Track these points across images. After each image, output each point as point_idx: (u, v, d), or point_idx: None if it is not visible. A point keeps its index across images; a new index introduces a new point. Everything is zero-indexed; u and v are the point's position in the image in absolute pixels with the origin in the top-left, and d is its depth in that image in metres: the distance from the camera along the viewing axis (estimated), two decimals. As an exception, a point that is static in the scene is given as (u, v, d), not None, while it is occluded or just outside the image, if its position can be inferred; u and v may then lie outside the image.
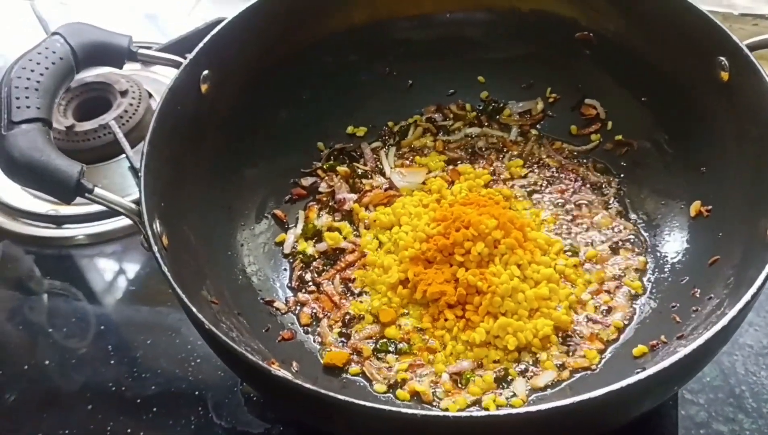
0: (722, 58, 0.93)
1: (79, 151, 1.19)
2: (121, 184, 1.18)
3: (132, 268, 1.16)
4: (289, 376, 0.73)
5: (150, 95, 1.28)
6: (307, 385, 0.69)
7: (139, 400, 1.00)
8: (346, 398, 0.68)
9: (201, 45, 0.97)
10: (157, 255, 0.79)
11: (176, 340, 1.05)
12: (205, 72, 0.98)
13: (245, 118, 1.06)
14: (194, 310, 0.74)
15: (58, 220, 1.19)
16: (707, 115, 0.98)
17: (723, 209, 0.95)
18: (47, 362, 1.05)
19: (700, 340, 0.70)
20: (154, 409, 0.99)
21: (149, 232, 0.81)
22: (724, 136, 0.95)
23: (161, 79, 1.32)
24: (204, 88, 0.98)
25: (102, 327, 1.08)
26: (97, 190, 0.84)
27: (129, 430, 0.97)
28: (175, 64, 0.96)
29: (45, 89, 0.87)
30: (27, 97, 0.85)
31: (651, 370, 0.69)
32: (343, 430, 0.76)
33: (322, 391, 0.69)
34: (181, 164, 0.95)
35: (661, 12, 0.99)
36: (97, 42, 0.94)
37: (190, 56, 0.95)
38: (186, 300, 0.75)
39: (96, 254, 1.17)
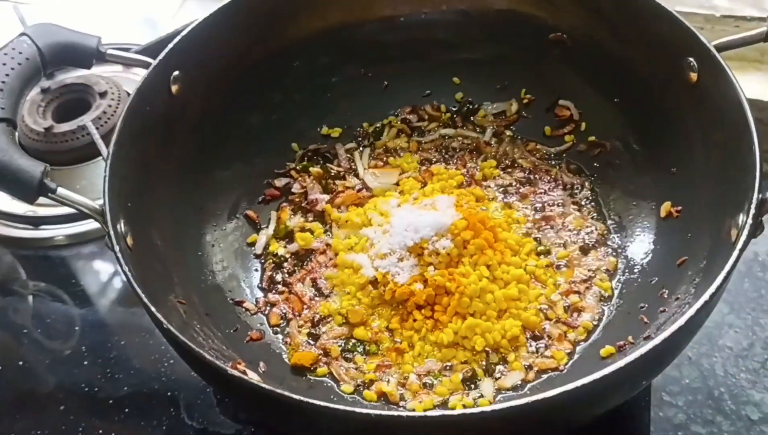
0: (691, 59, 0.93)
1: (57, 153, 1.20)
2: (100, 185, 1.14)
3: (108, 269, 1.16)
4: (247, 376, 0.73)
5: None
6: (262, 385, 0.69)
7: (111, 401, 1.00)
8: (300, 398, 0.68)
9: (171, 45, 0.97)
10: (119, 255, 0.79)
11: (150, 341, 1.04)
12: (176, 72, 0.98)
13: (217, 119, 1.06)
14: (153, 308, 0.74)
15: (36, 221, 1.19)
16: (677, 116, 0.97)
17: (692, 210, 0.95)
18: (21, 363, 1.05)
19: (655, 342, 0.70)
20: (126, 410, 0.99)
21: (111, 232, 0.81)
22: (692, 137, 0.95)
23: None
24: (175, 89, 0.98)
25: (77, 327, 1.09)
26: (60, 190, 0.84)
27: (101, 431, 0.97)
28: (145, 65, 0.96)
29: (10, 90, 0.87)
30: (-9, 98, 0.86)
31: (605, 371, 0.69)
32: (301, 430, 0.76)
33: (277, 390, 0.69)
34: (151, 165, 0.96)
35: (630, 13, 0.99)
36: (65, 42, 0.95)
37: (159, 57, 0.96)
38: (144, 298, 0.75)
39: (73, 255, 1.18)
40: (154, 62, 0.95)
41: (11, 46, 0.90)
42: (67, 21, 1.02)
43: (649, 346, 0.70)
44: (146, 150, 0.94)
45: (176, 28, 1.21)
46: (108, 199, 0.83)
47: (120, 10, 1.54)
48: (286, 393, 0.68)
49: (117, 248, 0.80)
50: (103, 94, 1.25)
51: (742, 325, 1.01)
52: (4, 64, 0.88)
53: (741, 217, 0.80)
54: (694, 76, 0.93)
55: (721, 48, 0.91)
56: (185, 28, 0.99)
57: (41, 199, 0.88)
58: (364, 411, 0.68)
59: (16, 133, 0.87)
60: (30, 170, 0.83)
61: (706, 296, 0.73)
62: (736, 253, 0.75)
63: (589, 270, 0.99)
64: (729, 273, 0.74)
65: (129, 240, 0.85)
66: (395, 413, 0.76)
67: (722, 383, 0.97)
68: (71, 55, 0.95)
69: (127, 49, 1.08)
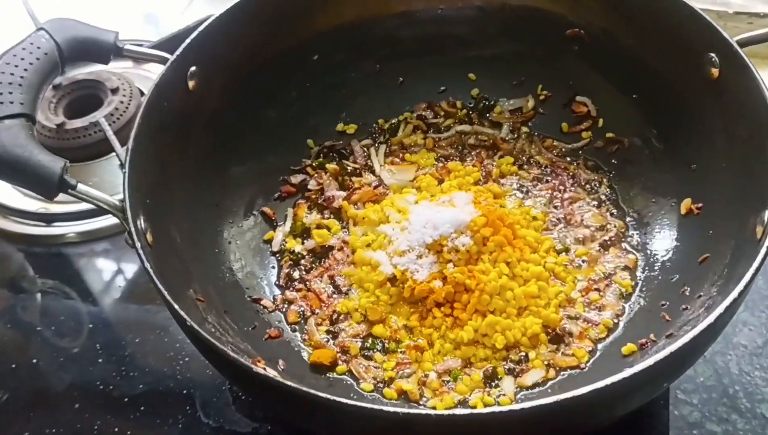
0: (712, 55, 0.93)
1: (69, 149, 1.19)
2: (112, 182, 1.18)
3: (121, 267, 1.15)
4: (270, 373, 0.72)
5: (141, 93, 1.27)
6: (287, 382, 0.69)
7: (126, 399, 0.99)
8: (327, 395, 0.67)
9: (188, 41, 0.96)
10: (140, 251, 0.79)
11: (165, 338, 1.04)
12: (193, 68, 0.97)
13: (234, 115, 1.05)
14: (176, 306, 0.74)
15: (48, 218, 1.18)
16: (697, 112, 0.97)
17: (713, 207, 0.95)
18: (35, 361, 1.05)
19: (684, 340, 0.70)
20: (142, 408, 0.98)
21: (132, 229, 0.80)
22: (713, 133, 0.95)
23: (153, 76, 1.30)
24: (191, 84, 0.98)
25: (91, 325, 1.08)
26: (81, 186, 0.84)
27: (116, 429, 0.96)
28: (163, 61, 0.96)
29: (29, 85, 0.87)
30: (10, 93, 0.85)
31: (634, 369, 0.68)
32: (325, 428, 0.75)
33: (303, 388, 0.68)
34: (168, 161, 0.95)
35: (650, 8, 0.99)
36: (83, 37, 0.94)
37: (177, 52, 0.95)
38: (167, 296, 0.74)
39: (86, 252, 1.17)
40: (171, 57, 0.94)
41: (29, 40, 0.89)
42: (75, 16, 1.02)
43: (678, 344, 0.70)
44: (163, 146, 0.94)
45: (187, 24, 1.22)
46: (128, 195, 0.82)
47: (127, 5, 1.54)
48: (313, 391, 0.68)
49: (138, 245, 0.79)
50: (114, 91, 1.25)
51: (756, 323, 1.01)
52: (23, 59, 0.87)
53: (767, 215, 0.79)
54: (715, 71, 0.93)
55: (742, 44, 0.90)
56: (201, 24, 0.99)
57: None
58: (392, 409, 0.67)
59: (34, 129, 0.86)
60: (50, 166, 0.82)
61: (734, 293, 0.72)
62: (763, 250, 0.75)
63: (609, 267, 0.99)
64: (757, 270, 0.74)
65: (149, 236, 0.84)
66: (423, 412, 0.75)
67: (737, 381, 0.96)
68: (89, 50, 0.95)
69: (139, 45, 1.08)
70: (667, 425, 0.93)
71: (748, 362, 0.98)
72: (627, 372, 0.68)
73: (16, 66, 0.87)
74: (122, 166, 0.83)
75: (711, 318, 0.71)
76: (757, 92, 0.86)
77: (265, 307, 0.98)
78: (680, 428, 0.93)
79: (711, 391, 0.95)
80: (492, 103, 1.16)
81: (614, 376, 0.68)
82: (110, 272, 1.15)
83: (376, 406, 0.68)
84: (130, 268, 1.15)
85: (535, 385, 0.89)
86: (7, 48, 0.90)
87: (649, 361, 0.69)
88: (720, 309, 0.72)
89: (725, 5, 1.32)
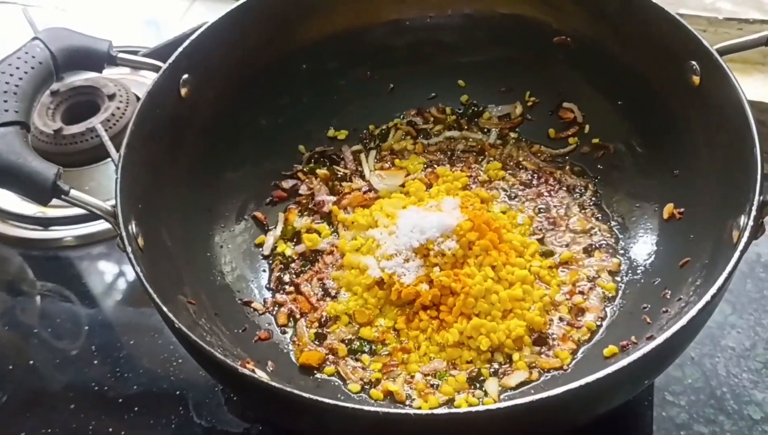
0: (693, 63, 0.94)
1: (66, 154, 1.21)
2: (108, 187, 1.16)
3: (116, 270, 1.17)
4: (256, 374, 0.74)
5: (137, 99, 1.29)
6: (272, 383, 0.71)
7: (120, 400, 1.01)
8: (311, 396, 0.69)
9: (180, 49, 0.98)
10: (131, 256, 0.81)
11: (159, 340, 1.06)
12: (185, 76, 0.99)
13: (226, 122, 1.07)
14: (165, 308, 0.76)
15: (45, 222, 1.20)
16: (679, 119, 0.98)
17: (694, 211, 0.96)
18: (31, 362, 1.06)
19: (658, 341, 0.71)
20: (136, 409, 1.00)
21: (124, 233, 0.82)
22: (695, 139, 0.96)
23: (149, 82, 1.32)
24: (184, 92, 0.99)
25: (86, 327, 1.10)
26: (73, 192, 0.86)
27: (110, 429, 0.98)
28: (156, 69, 0.97)
29: (23, 93, 0.88)
30: (5, 101, 0.87)
31: (608, 370, 0.70)
32: (311, 428, 0.77)
33: (287, 388, 0.70)
34: (160, 167, 0.97)
35: (634, 17, 1.00)
36: (77, 46, 0.96)
37: (169, 60, 0.97)
38: (157, 298, 0.76)
39: (83, 256, 1.19)
40: (164, 66, 0.96)
41: (24, 50, 0.91)
42: (75, 23, 1.04)
43: (651, 346, 0.71)
44: (156, 152, 0.96)
45: (184, 30, 1.23)
46: (120, 201, 0.84)
47: (126, 11, 1.55)
48: (296, 391, 0.69)
49: (129, 249, 0.81)
50: (111, 97, 1.27)
51: (744, 326, 1.02)
52: (18, 68, 0.89)
53: (742, 219, 0.81)
54: (696, 79, 0.94)
55: (723, 51, 0.91)
56: (194, 32, 1.00)
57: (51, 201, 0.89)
58: (373, 409, 0.69)
59: (29, 136, 0.88)
60: (44, 172, 0.84)
61: (707, 297, 0.74)
62: (737, 254, 0.76)
63: (592, 270, 1.00)
64: (730, 274, 0.75)
65: (140, 241, 0.86)
66: (403, 411, 0.77)
67: (725, 383, 0.98)
68: (83, 59, 0.96)
69: (135, 52, 1.10)
70: (651, 425, 0.94)
71: (736, 364, 0.99)
72: (601, 373, 0.70)
73: (11, 75, 0.89)
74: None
75: (684, 320, 0.73)
76: (735, 100, 0.87)
77: (255, 309, 1.00)
78: (668, 429, 0.94)
79: (699, 393, 0.97)
80: (481, 109, 1.18)
81: (590, 377, 0.70)
82: (107, 275, 1.17)
83: (357, 406, 0.70)
84: (126, 272, 1.16)
85: (519, 386, 0.91)
86: (2, 57, 0.92)
87: (623, 362, 0.70)
88: (693, 312, 0.73)
89: (715, 11, 1.33)
